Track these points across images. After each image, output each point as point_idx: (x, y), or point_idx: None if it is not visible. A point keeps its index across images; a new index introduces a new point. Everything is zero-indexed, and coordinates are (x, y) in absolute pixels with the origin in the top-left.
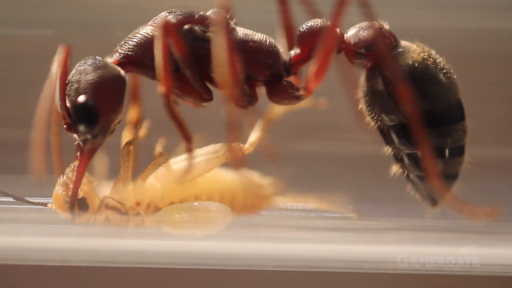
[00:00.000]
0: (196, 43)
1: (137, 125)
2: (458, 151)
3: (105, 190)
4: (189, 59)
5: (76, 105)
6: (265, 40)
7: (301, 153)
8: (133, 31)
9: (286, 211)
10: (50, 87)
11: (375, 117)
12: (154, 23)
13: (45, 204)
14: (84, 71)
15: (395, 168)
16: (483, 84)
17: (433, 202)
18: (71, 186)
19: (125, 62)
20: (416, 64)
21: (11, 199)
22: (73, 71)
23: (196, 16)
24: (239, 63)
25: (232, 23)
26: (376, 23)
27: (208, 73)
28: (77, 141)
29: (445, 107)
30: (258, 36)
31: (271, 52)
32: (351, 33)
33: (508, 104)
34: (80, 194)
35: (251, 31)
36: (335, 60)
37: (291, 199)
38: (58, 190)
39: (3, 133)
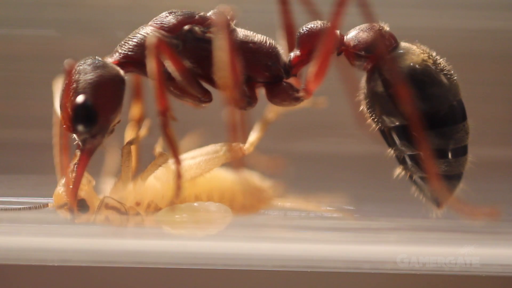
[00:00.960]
0: (196, 43)
1: (139, 123)
2: (461, 151)
3: (109, 188)
4: (186, 73)
5: (75, 105)
6: (265, 42)
7: (301, 153)
8: (133, 31)
9: (286, 211)
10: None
11: (376, 119)
12: (154, 23)
13: (46, 205)
14: (83, 71)
15: (398, 170)
16: (483, 84)
17: (438, 203)
18: (71, 186)
19: (124, 62)
20: (416, 66)
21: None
22: (73, 71)
23: (197, 16)
24: (239, 65)
25: (232, 24)
26: (376, 24)
27: (208, 74)
28: (76, 141)
29: (446, 108)
30: (258, 37)
31: (271, 54)
32: (351, 35)
33: (508, 104)
34: (80, 194)
35: (252, 32)
36: (335, 62)
37: (291, 200)
38: (59, 190)
39: (3, 133)
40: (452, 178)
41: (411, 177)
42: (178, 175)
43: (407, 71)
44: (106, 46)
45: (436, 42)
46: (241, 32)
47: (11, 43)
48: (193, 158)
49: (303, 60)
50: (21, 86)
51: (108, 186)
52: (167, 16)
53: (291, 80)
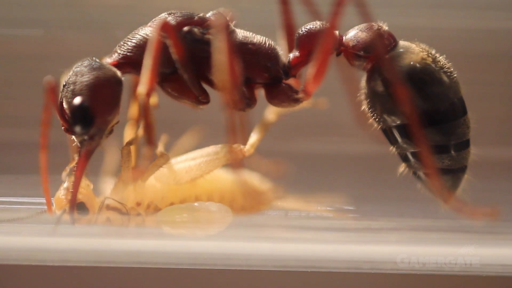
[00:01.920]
0: (195, 45)
1: (138, 123)
2: (463, 145)
3: (108, 188)
4: (187, 61)
5: (71, 107)
6: (265, 43)
7: (301, 153)
8: (132, 32)
9: (286, 211)
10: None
11: (378, 118)
12: (153, 24)
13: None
14: (80, 72)
15: (402, 168)
16: (483, 84)
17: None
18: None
19: (123, 63)
20: (416, 65)
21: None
22: (70, 73)
23: (196, 18)
24: (238, 66)
25: (232, 25)
26: (375, 24)
27: (207, 75)
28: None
29: (447, 106)
30: (257, 38)
31: (270, 55)
32: (349, 35)
33: (508, 104)
34: (79, 197)
35: (251, 33)
36: (335, 62)
37: (291, 200)
38: (60, 194)
39: (3, 133)
40: (457, 171)
41: (415, 173)
42: (146, 159)
43: (407, 70)
44: (106, 46)
45: (436, 42)
46: (240, 33)
47: (11, 43)
48: (193, 159)
49: (302, 61)
50: (21, 86)
51: (108, 186)
52: (166, 18)
53: (291, 81)
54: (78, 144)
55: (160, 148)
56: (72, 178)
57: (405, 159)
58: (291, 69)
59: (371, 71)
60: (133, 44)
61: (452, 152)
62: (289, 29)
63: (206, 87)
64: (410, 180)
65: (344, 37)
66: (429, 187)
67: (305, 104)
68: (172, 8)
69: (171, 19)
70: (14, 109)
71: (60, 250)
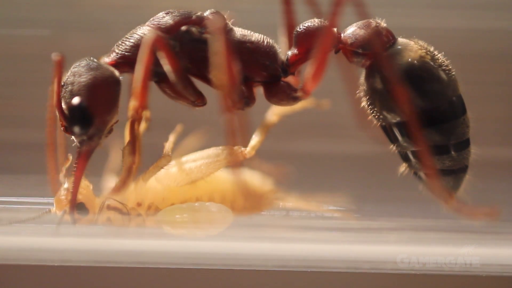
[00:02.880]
0: (194, 44)
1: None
2: (463, 145)
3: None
4: (181, 74)
5: (70, 107)
6: (263, 41)
7: (301, 153)
8: (130, 31)
9: (287, 211)
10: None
11: (377, 116)
12: (151, 24)
13: (48, 210)
14: (78, 73)
15: (402, 168)
16: (483, 84)
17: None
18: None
19: (121, 62)
20: (414, 62)
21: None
22: (68, 73)
23: (194, 17)
24: (237, 65)
25: (230, 23)
26: (373, 21)
27: (206, 74)
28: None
29: (446, 104)
30: (255, 36)
31: (268, 53)
32: (348, 33)
33: (508, 104)
34: (79, 198)
35: (249, 32)
36: (335, 59)
37: (292, 200)
38: (60, 194)
39: (3, 133)
40: (458, 172)
41: (415, 173)
42: (126, 172)
43: (405, 67)
44: (106, 46)
45: (436, 42)
46: (239, 32)
47: (11, 43)
48: (194, 161)
49: (300, 58)
50: (21, 86)
51: (109, 185)
52: (164, 17)
53: (290, 79)
54: (78, 144)
55: (166, 148)
56: (72, 179)
57: (405, 158)
58: (290, 66)
59: (370, 68)
60: (131, 44)
61: (452, 152)
62: (291, 28)
63: (204, 88)
64: (410, 180)
65: (342, 35)
66: (430, 187)
67: (307, 105)
68: (171, 7)
69: (160, 32)
70: (14, 109)
71: (60, 250)
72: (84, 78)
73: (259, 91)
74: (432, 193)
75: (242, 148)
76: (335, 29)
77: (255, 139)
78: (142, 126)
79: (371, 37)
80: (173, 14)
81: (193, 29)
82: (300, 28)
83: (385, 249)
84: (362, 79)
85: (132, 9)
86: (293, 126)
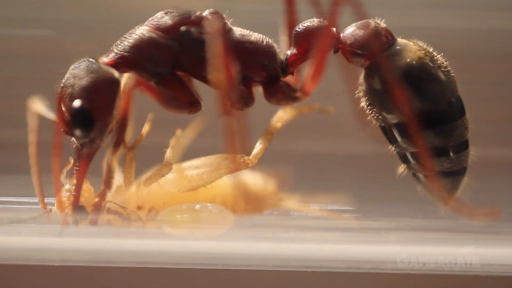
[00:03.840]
0: (193, 44)
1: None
2: (462, 147)
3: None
4: (168, 101)
5: (70, 110)
6: (262, 41)
7: (301, 152)
8: (129, 31)
9: (287, 211)
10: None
11: (376, 116)
12: (150, 24)
13: (49, 210)
14: (77, 75)
15: (401, 169)
16: (483, 84)
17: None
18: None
19: (120, 62)
20: (413, 63)
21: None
22: (67, 75)
23: (193, 17)
24: (235, 66)
25: (228, 23)
26: (372, 21)
27: (205, 74)
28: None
29: (445, 105)
30: (254, 36)
31: (267, 53)
32: (347, 33)
33: (508, 104)
34: (80, 201)
35: (248, 31)
36: (334, 59)
37: (292, 200)
38: (61, 196)
39: (3, 133)
40: (456, 173)
41: (414, 175)
42: (100, 199)
43: (404, 68)
44: (106, 46)
45: (436, 42)
46: (237, 31)
47: (11, 43)
48: (196, 167)
49: (299, 58)
50: (21, 86)
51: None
52: (163, 17)
53: (289, 79)
54: (79, 146)
55: (167, 156)
56: (74, 181)
57: (404, 159)
58: (289, 66)
59: (369, 68)
60: (130, 44)
61: (451, 154)
62: (292, 28)
63: (206, 86)
64: (410, 180)
65: (341, 35)
66: (429, 188)
67: (312, 110)
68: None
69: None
70: (14, 109)
71: (60, 250)
72: (84, 81)
73: (258, 91)
74: (431, 194)
75: (245, 157)
76: (334, 29)
77: (258, 147)
78: (145, 127)
79: (370, 38)
80: (172, 14)
81: (192, 29)
82: (299, 28)
83: (385, 249)
84: (361, 79)
85: (133, 9)
86: (293, 126)
